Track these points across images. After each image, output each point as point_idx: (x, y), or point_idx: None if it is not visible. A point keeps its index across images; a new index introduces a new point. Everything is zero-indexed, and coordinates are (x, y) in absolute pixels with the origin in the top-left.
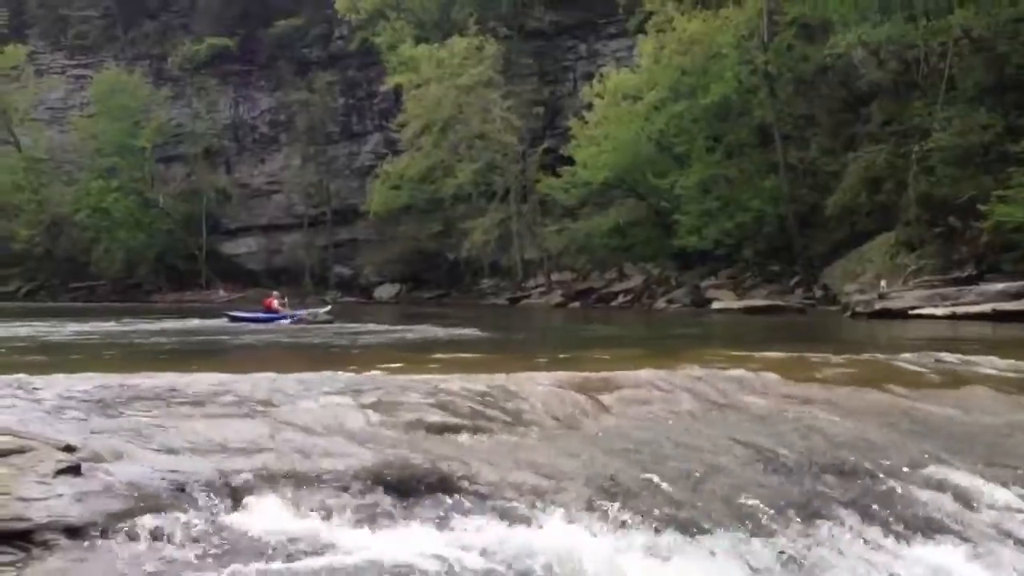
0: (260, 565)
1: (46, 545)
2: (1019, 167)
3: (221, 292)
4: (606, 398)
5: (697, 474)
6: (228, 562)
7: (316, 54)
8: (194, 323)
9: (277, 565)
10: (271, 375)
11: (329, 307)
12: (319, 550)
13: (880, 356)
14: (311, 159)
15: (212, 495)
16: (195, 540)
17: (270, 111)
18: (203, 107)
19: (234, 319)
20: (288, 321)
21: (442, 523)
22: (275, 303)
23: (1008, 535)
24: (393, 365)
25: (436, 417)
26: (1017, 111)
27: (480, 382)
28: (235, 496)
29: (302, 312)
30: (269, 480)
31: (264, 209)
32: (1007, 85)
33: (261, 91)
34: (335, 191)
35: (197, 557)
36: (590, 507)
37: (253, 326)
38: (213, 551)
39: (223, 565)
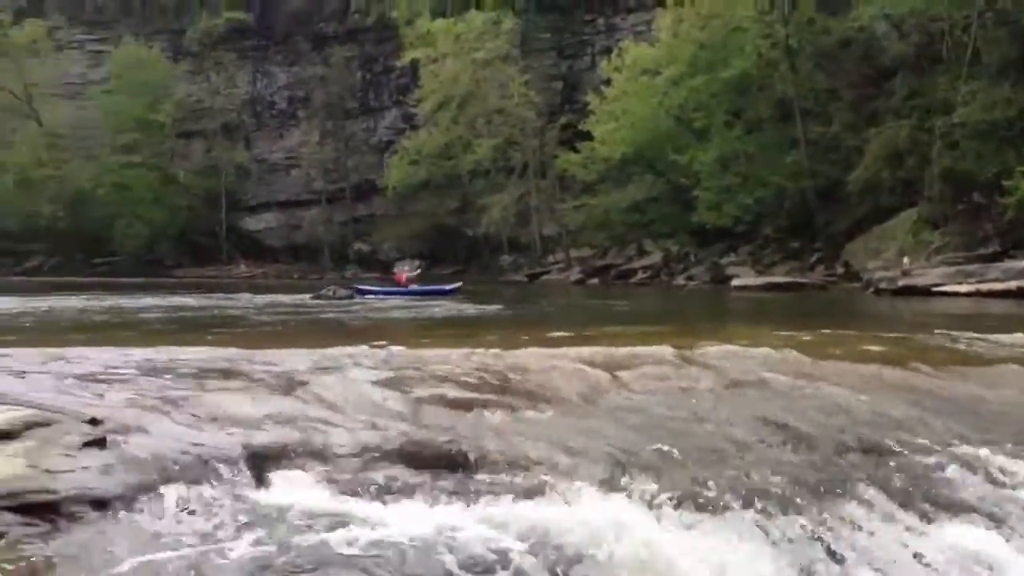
0: (281, 538)
1: (72, 517)
2: None
3: (243, 267)
4: (625, 375)
5: (718, 450)
6: (249, 534)
7: (333, 29)
8: (283, 299)
9: (298, 538)
10: (299, 351)
11: (460, 283)
12: (340, 524)
13: (904, 334)
14: (329, 135)
15: (236, 468)
16: (218, 513)
17: (287, 86)
18: (221, 82)
19: (362, 292)
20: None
21: (465, 499)
22: (404, 277)
23: None
24: (418, 341)
25: (459, 393)
26: None
27: (502, 358)
28: (259, 470)
29: (430, 288)
30: (293, 455)
31: (283, 185)
32: None
33: (278, 66)
34: (353, 166)
35: (218, 528)
36: (612, 483)
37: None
38: (235, 523)
39: (244, 537)
